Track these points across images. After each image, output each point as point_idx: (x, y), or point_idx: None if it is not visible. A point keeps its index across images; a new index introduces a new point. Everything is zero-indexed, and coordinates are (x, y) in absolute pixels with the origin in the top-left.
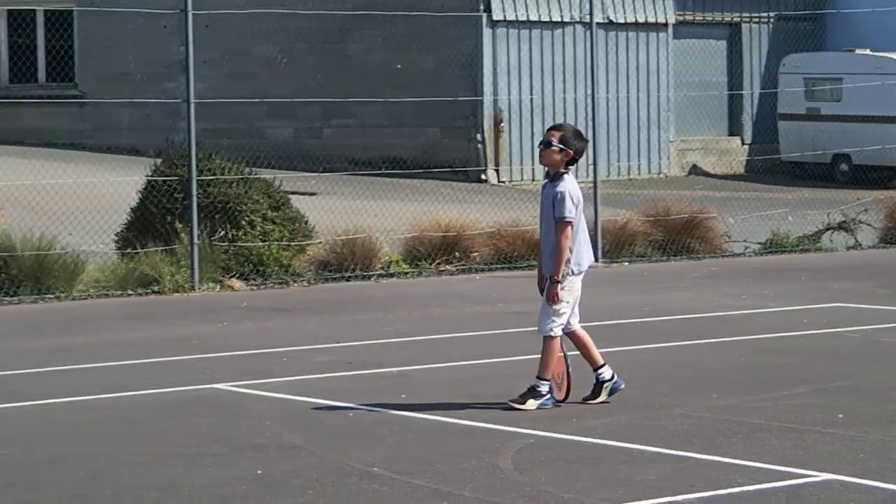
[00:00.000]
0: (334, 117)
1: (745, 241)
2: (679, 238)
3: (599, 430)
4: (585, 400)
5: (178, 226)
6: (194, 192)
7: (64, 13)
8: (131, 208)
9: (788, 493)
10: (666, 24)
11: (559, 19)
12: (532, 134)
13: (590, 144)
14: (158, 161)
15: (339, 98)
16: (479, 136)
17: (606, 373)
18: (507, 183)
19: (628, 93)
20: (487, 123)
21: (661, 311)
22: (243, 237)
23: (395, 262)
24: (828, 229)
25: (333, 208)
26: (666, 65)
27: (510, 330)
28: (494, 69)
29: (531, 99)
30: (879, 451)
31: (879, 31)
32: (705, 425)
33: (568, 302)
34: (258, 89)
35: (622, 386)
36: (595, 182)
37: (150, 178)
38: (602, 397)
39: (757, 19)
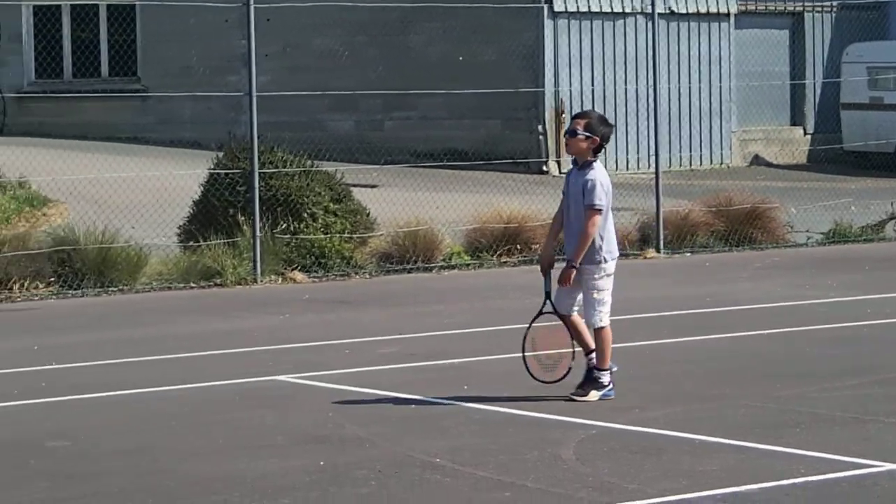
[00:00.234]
0: (395, 110)
1: (807, 231)
2: (741, 228)
3: (661, 420)
4: (573, 395)
5: (241, 218)
6: (256, 184)
7: (126, 7)
8: (193, 201)
9: (852, 483)
10: (728, 14)
11: (620, 10)
12: None
13: (651, 135)
14: (220, 154)
15: (401, 90)
16: (540, 128)
17: (606, 379)
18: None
19: (690, 83)
20: (548, 115)
21: (723, 302)
22: (305, 229)
23: (457, 253)
24: (891, 219)
25: (395, 200)
26: (728, 55)
27: None
28: (556, 60)
29: (592, 90)
30: None
31: None
32: (768, 415)
33: (608, 289)
34: (319, 82)
35: (613, 396)
36: (657, 172)
37: (212, 171)
38: (591, 398)
39: (819, 8)
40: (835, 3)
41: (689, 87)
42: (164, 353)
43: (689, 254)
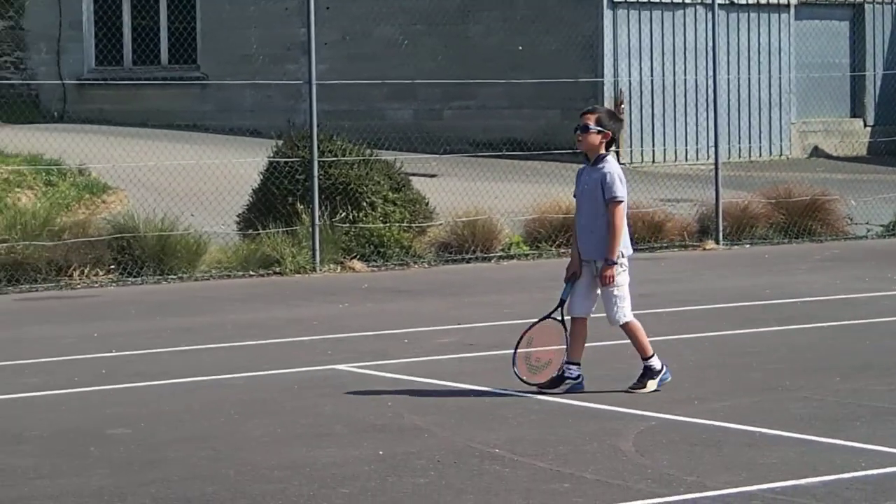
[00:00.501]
0: (455, 99)
1: (867, 223)
2: (800, 220)
3: (721, 412)
4: (541, 387)
5: (300, 207)
6: (315, 173)
7: None
8: (253, 190)
9: None
10: (788, 5)
11: (680, 0)
12: (652, 115)
13: (711, 126)
14: (280, 142)
15: (460, 80)
16: None
17: (575, 372)
18: (626, 164)
19: (749, 74)
20: (608, 105)
21: (782, 294)
22: (364, 218)
23: (516, 243)
24: None
25: (454, 190)
26: (787, 46)
27: None
28: (615, 51)
29: (651, 80)
30: None
31: None
32: (828, 408)
33: (626, 284)
34: (379, 71)
35: (583, 388)
36: (716, 164)
37: (271, 159)
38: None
39: (880, 0)
40: None
41: (749, 78)
42: (222, 341)
43: (748, 245)
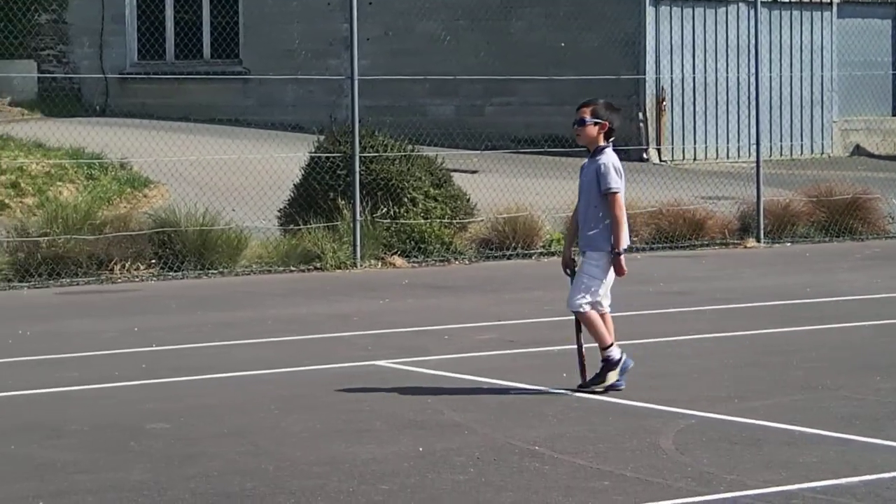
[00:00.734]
0: (496, 95)
1: None
2: (842, 219)
3: (761, 411)
4: (580, 387)
5: (341, 202)
6: (357, 168)
7: None
8: (294, 185)
9: None
10: (830, 4)
11: None
12: (694, 113)
13: (752, 124)
14: (321, 138)
15: (501, 76)
16: (640, 115)
17: (615, 353)
18: (668, 162)
19: (791, 72)
20: (649, 102)
21: (823, 293)
22: (405, 214)
23: (557, 240)
24: None
25: (495, 186)
26: (830, 44)
27: (671, 310)
28: (657, 48)
29: (693, 78)
30: None
31: None
32: (868, 408)
33: (601, 280)
34: (421, 66)
35: (631, 364)
36: (757, 162)
37: (313, 154)
38: (609, 380)
39: None
40: None
41: (791, 76)
42: (263, 336)
43: (789, 243)
